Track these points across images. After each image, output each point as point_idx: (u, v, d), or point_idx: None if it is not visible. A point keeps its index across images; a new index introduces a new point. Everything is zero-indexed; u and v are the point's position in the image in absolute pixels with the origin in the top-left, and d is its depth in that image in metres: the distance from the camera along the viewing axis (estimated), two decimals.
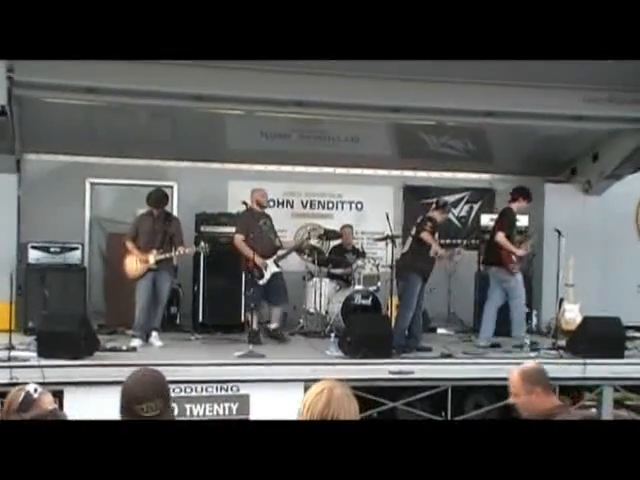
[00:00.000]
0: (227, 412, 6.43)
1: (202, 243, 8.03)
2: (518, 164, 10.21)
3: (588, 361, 7.08)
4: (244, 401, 6.48)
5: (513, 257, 7.85)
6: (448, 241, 9.43)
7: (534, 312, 9.12)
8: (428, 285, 7.94)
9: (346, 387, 2.55)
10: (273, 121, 9.09)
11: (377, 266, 9.08)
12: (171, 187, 9.45)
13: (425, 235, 7.53)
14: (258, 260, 7.77)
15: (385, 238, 8.68)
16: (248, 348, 6.99)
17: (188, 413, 6.35)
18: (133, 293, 7.72)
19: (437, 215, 7.81)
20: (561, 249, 8.00)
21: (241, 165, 9.87)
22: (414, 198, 10.34)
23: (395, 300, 8.32)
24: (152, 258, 7.63)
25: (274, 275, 7.99)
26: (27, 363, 6.23)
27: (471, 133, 9.66)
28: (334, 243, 9.56)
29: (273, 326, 8.09)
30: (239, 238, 7.94)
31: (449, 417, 6.82)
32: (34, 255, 8.43)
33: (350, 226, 9.57)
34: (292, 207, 10.19)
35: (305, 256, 9.11)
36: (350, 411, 2.49)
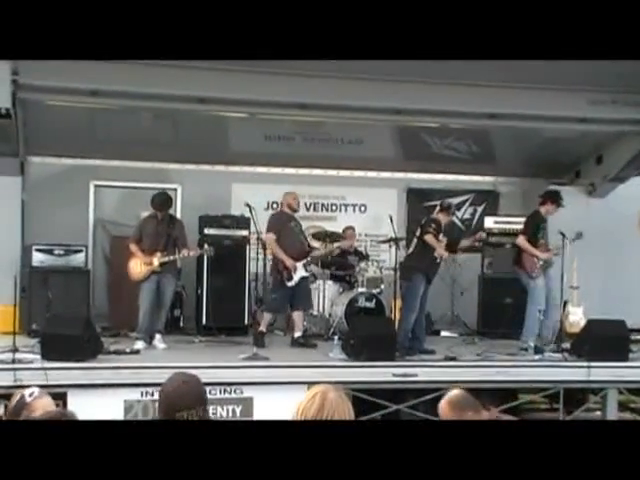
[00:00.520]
0: (231, 414, 6.43)
1: (206, 246, 8.04)
2: (522, 166, 10.21)
3: (592, 364, 7.06)
4: (248, 404, 6.47)
5: (535, 260, 7.82)
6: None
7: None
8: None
9: (340, 390, 2.53)
10: (276, 123, 9.10)
11: (381, 269, 9.08)
12: (175, 190, 9.46)
13: (429, 238, 7.51)
14: (289, 261, 7.73)
15: (389, 240, 8.69)
16: (252, 351, 6.98)
17: None
18: (137, 296, 7.73)
19: (442, 217, 7.77)
20: (565, 252, 7.98)
21: (244, 167, 9.88)
22: (418, 200, 10.34)
23: (399, 303, 8.32)
24: (156, 261, 7.63)
25: (302, 279, 7.90)
26: (31, 365, 6.23)
27: (474, 135, 9.66)
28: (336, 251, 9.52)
29: (298, 334, 7.95)
30: (271, 237, 7.83)
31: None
32: (38, 258, 8.44)
33: (352, 228, 9.55)
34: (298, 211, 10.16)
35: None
36: (344, 413, 2.47)
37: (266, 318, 7.90)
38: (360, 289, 8.76)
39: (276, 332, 8.76)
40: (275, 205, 9.46)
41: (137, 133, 8.89)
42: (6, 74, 6.95)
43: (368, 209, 10.32)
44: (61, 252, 8.51)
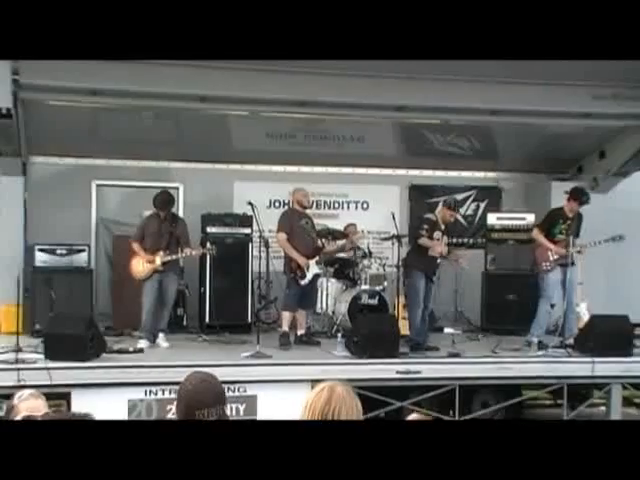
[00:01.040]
0: (235, 413, 6.42)
1: (209, 244, 8.03)
2: (524, 162, 10.19)
3: (596, 359, 7.06)
4: (252, 402, 6.48)
5: (548, 254, 7.81)
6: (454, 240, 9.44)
7: None
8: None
9: (348, 386, 2.56)
10: (278, 121, 9.10)
11: (383, 266, 9.06)
12: (177, 188, 9.44)
13: (422, 241, 7.47)
14: (302, 260, 7.68)
15: (391, 238, 8.68)
16: (255, 349, 6.98)
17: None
18: (140, 295, 7.73)
19: (445, 214, 7.68)
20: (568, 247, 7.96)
21: (246, 166, 9.87)
22: (420, 197, 10.32)
23: (402, 299, 8.31)
24: (158, 260, 7.63)
25: (314, 276, 7.84)
26: (34, 365, 6.24)
27: (477, 131, 9.64)
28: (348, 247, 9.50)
29: (301, 332, 7.93)
30: (283, 237, 7.74)
31: (457, 416, 6.80)
32: (41, 257, 8.44)
33: (354, 225, 9.53)
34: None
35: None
36: (352, 408, 2.50)
37: (286, 317, 7.81)
38: (363, 286, 8.75)
39: (278, 330, 8.74)
40: (277, 203, 9.46)
41: (138, 132, 8.88)
42: (7, 74, 6.95)
43: (370, 206, 10.31)
44: (64, 252, 8.51)
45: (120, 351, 7.01)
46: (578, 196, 7.90)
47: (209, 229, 8.93)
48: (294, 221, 7.84)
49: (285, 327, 7.72)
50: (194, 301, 9.05)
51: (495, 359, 7.20)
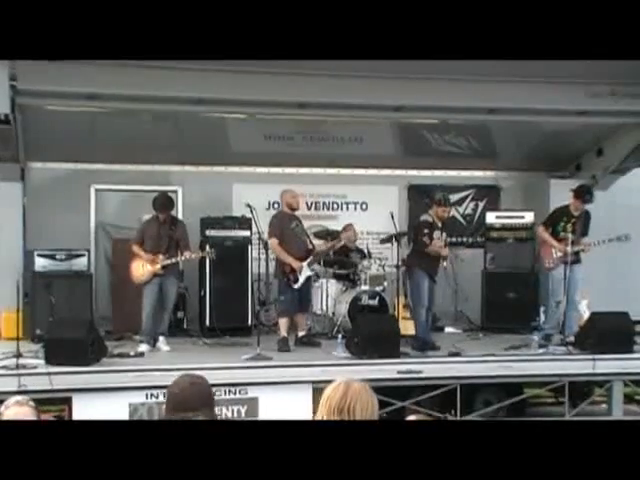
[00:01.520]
0: (236, 415, 6.43)
1: (208, 248, 8.03)
2: (523, 160, 10.19)
3: (597, 356, 7.06)
4: (253, 404, 6.48)
5: (551, 251, 7.83)
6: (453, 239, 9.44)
7: (542, 309, 9.09)
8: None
9: (365, 383, 2.67)
10: (276, 123, 9.10)
11: (383, 266, 9.05)
12: (175, 192, 9.45)
13: (432, 249, 7.43)
14: (295, 264, 7.66)
15: (390, 238, 8.68)
16: (255, 351, 6.98)
17: None
18: (140, 298, 7.73)
19: (438, 212, 7.63)
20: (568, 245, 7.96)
21: (245, 168, 9.87)
22: (419, 197, 10.31)
23: (402, 300, 8.32)
24: (158, 263, 7.63)
25: (307, 279, 7.84)
26: (35, 370, 6.24)
27: (475, 130, 9.64)
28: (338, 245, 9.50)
29: (302, 333, 7.93)
30: (274, 242, 7.74)
31: (458, 415, 6.80)
32: (40, 263, 8.44)
33: (351, 225, 9.50)
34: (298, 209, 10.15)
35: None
36: (367, 403, 2.59)
37: (283, 323, 7.78)
38: (363, 287, 8.74)
39: (278, 332, 8.74)
40: (276, 205, 9.43)
41: (136, 136, 8.88)
42: (4, 80, 6.94)
43: (369, 207, 10.31)
44: (63, 257, 8.50)
45: (121, 355, 7.01)
46: (581, 194, 7.94)
47: (208, 232, 8.92)
48: (284, 225, 7.84)
49: (284, 332, 7.71)
50: (194, 304, 9.05)
51: (496, 358, 7.20)
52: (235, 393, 6.45)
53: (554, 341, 7.79)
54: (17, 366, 6.24)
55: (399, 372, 6.71)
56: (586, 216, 7.99)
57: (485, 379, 7.06)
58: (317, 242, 8.56)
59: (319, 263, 8.92)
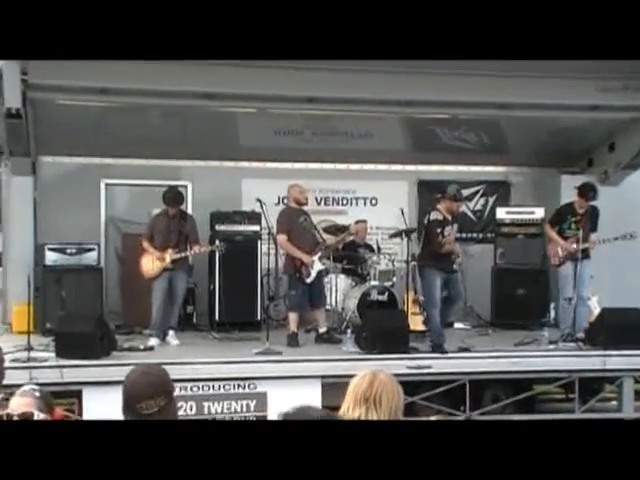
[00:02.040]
0: (245, 409, 6.45)
1: (218, 242, 8.05)
2: (533, 156, 10.14)
3: (608, 352, 7.04)
4: (262, 398, 6.49)
5: (558, 249, 7.82)
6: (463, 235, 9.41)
7: (552, 305, 9.06)
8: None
9: (391, 374, 2.75)
10: (285, 118, 9.09)
11: (392, 261, 9.05)
12: (185, 186, 9.46)
13: (448, 248, 7.31)
14: (306, 258, 7.63)
15: (400, 233, 8.66)
16: (265, 345, 6.99)
17: (206, 411, 6.37)
18: (149, 293, 7.76)
19: (448, 206, 7.46)
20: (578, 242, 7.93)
21: (254, 163, 9.87)
22: (429, 192, 10.26)
23: (411, 295, 8.30)
24: (168, 257, 7.65)
25: (318, 273, 7.79)
26: (46, 364, 6.29)
27: (485, 126, 9.60)
28: (348, 239, 9.50)
29: (323, 329, 7.85)
30: (283, 238, 7.72)
31: (467, 411, 6.79)
32: (51, 257, 8.47)
33: (364, 221, 9.51)
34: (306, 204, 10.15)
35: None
36: (393, 393, 2.65)
37: (293, 318, 7.74)
38: (372, 282, 8.74)
39: (287, 328, 8.75)
40: (286, 200, 9.42)
41: (147, 130, 8.90)
42: (16, 74, 6.98)
43: (379, 202, 10.29)
44: (73, 251, 8.54)
45: (130, 349, 7.05)
46: (585, 192, 7.96)
47: (218, 227, 8.95)
48: (292, 220, 7.80)
49: (293, 328, 7.69)
50: (204, 298, 9.07)
51: (505, 353, 7.18)
52: (244, 387, 6.47)
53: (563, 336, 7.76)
54: (28, 359, 6.28)
55: (408, 367, 6.70)
56: (593, 212, 7.98)
57: (494, 375, 7.05)
58: (326, 237, 8.55)
59: (328, 258, 8.92)
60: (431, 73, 7.57)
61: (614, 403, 7.44)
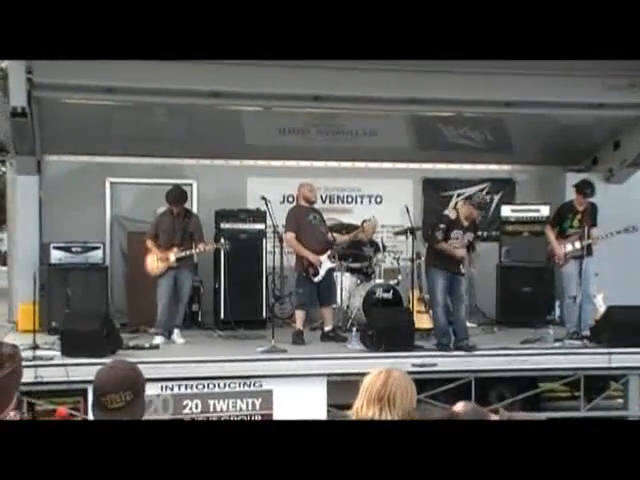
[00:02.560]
0: (250, 407, 6.45)
1: (222, 240, 8.06)
2: (538, 154, 10.12)
3: (613, 350, 7.02)
4: (267, 396, 6.50)
5: (559, 252, 7.85)
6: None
7: (557, 302, 9.06)
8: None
9: (405, 372, 2.76)
10: (290, 116, 9.09)
11: (398, 259, 9.04)
12: (190, 185, 9.47)
13: (441, 247, 7.20)
14: (313, 257, 7.62)
15: (405, 231, 8.65)
16: (270, 344, 7.00)
17: (212, 409, 6.38)
18: (154, 291, 7.78)
19: (471, 213, 7.28)
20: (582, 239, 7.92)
21: (259, 161, 9.87)
22: (434, 190, 10.29)
23: (416, 293, 8.30)
24: (173, 256, 7.66)
25: (328, 271, 7.78)
26: (51, 362, 6.30)
27: (490, 124, 9.59)
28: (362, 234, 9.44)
29: (328, 328, 7.84)
30: (291, 236, 7.72)
31: None
32: (56, 255, 8.50)
33: (370, 220, 9.49)
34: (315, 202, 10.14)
35: None
36: (407, 391, 2.65)
37: (300, 316, 7.75)
38: (377, 280, 8.74)
39: (293, 325, 8.76)
40: (291, 198, 9.43)
41: (152, 129, 8.91)
42: (21, 73, 6.99)
43: (384, 200, 10.29)
44: (79, 249, 8.56)
45: (136, 347, 7.06)
46: (582, 189, 7.97)
47: (223, 225, 8.95)
48: (302, 218, 7.79)
49: (299, 325, 7.69)
50: (209, 297, 9.08)
51: (511, 351, 7.17)
52: (249, 385, 6.47)
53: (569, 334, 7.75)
54: (34, 358, 6.29)
55: (413, 365, 6.69)
56: (592, 208, 8.00)
57: (500, 373, 7.04)
58: (336, 235, 8.55)
59: (334, 256, 8.91)
60: (436, 71, 7.56)
61: (620, 401, 7.44)
